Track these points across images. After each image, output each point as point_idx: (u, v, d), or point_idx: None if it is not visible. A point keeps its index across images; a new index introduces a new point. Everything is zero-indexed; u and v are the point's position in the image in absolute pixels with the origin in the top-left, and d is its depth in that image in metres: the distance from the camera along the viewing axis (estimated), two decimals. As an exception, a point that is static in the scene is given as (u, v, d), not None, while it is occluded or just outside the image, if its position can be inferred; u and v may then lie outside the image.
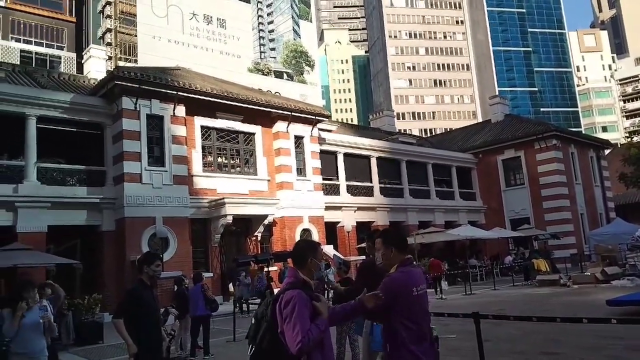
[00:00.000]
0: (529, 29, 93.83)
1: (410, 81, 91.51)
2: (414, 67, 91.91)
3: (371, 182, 28.56)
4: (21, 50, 43.88)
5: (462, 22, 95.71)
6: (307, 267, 3.26)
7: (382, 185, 28.92)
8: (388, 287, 3.35)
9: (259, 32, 53.44)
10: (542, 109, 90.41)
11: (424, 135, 61.71)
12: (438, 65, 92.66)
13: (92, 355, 11.56)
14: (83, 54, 30.04)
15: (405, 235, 3.94)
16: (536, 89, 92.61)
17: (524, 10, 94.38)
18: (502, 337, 9.48)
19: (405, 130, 66.90)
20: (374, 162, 28.86)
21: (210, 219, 20.80)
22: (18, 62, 38.38)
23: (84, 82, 23.55)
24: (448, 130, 57.75)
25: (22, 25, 44.92)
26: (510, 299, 16.60)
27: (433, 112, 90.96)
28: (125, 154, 18.39)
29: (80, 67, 39.18)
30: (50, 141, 17.81)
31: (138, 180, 18.52)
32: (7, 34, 44.01)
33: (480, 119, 74.49)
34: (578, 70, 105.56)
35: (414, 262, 3.73)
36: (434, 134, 65.71)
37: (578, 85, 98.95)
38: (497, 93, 64.86)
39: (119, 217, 18.36)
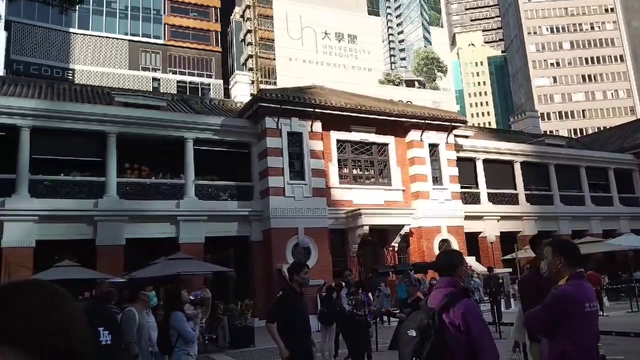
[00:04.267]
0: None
1: (554, 79, 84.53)
2: (557, 64, 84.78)
3: (515, 189, 26.85)
4: (177, 81, 49.47)
5: (612, 9, 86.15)
6: (457, 275, 3.19)
7: (528, 192, 27.03)
8: (557, 300, 3.13)
9: (389, 43, 53.72)
10: None
11: (573, 136, 56.48)
12: (586, 59, 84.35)
13: (245, 357, 12.44)
14: (230, 80, 32.85)
15: (577, 246, 3.59)
16: None
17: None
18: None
19: (551, 131, 61.90)
20: (517, 167, 27.12)
21: (347, 230, 21.25)
22: (175, 92, 43.25)
23: (231, 105, 25.75)
24: (602, 129, 52.14)
25: (177, 59, 50.65)
26: (691, 319, 14.35)
27: (583, 111, 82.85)
28: (270, 170, 19.69)
29: (226, 92, 42.98)
30: (204, 160, 19.78)
31: (281, 194, 19.68)
32: (166, 67, 49.99)
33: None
34: None
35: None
36: (585, 134, 59.78)
37: None
38: (661, 84, 57.05)
39: (266, 228, 19.65)
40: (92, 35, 47.70)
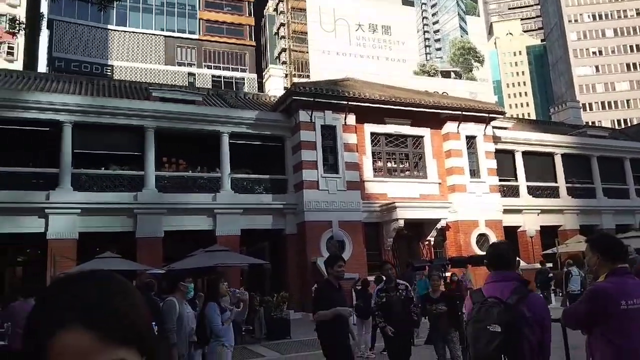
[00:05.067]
0: None
1: (596, 68, 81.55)
2: (600, 52, 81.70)
3: (556, 181, 26.08)
4: (212, 76, 50.04)
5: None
6: (512, 268, 3.11)
7: (569, 185, 26.20)
8: (590, 297, 3.09)
9: (423, 34, 52.85)
10: None
11: (617, 127, 54.45)
12: (631, 47, 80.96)
13: (281, 349, 12.52)
14: (263, 74, 33.00)
15: (618, 241, 3.44)
16: None
17: None
18: None
19: (593, 122, 59.92)
20: (558, 159, 26.31)
21: (382, 223, 21.09)
22: (210, 86, 43.77)
23: (265, 99, 25.87)
24: (648, 119, 50.01)
25: (212, 54, 51.22)
26: None
27: (627, 100, 79.70)
28: (304, 163, 19.71)
29: (260, 86, 43.22)
30: (239, 154, 19.96)
31: (315, 187, 19.69)
32: (201, 62, 50.63)
33: (691, 104, 63.04)
34: None
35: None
36: (629, 124, 57.54)
37: None
38: None
39: (300, 221, 19.71)
40: (129, 32, 48.72)
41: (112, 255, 15.57)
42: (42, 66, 49.77)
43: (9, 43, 36.13)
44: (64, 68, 42.87)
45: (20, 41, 37.35)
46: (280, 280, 18.94)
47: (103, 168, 18.54)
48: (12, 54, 39.43)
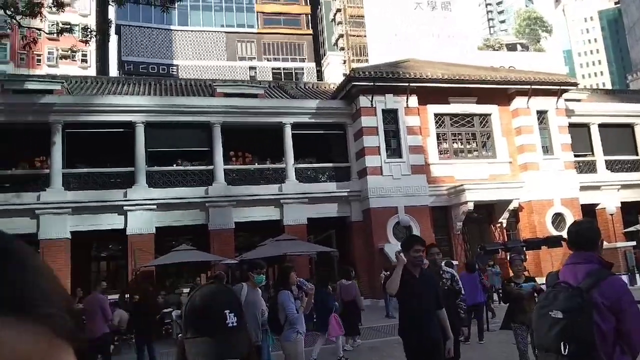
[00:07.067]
0: None
1: (681, 27, 74.79)
2: (685, 9, 74.81)
3: (637, 154, 24.32)
4: (272, 68, 50.72)
5: None
6: (598, 250, 2.86)
7: (652, 157, 24.38)
8: None
9: (486, 7, 50.74)
10: None
11: None
12: None
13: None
14: (322, 62, 33.01)
15: None
16: None
17: None
18: None
19: (678, 87, 55.12)
20: (638, 130, 24.51)
21: (450, 207, 20.62)
22: (271, 78, 44.39)
23: (325, 88, 25.90)
24: None
25: (271, 46, 51.85)
26: None
27: None
28: (366, 149, 19.60)
29: (319, 74, 43.30)
30: (302, 144, 20.16)
31: (379, 173, 19.54)
32: (260, 55, 51.42)
33: None
34: None
35: None
36: None
37: None
38: None
39: (365, 208, 19.67)
40: (192, 31, 50.26)
41: (187, 248, 16.35)
42: (113, 70, 52.53)
43: (82, 51, 38.36)
44: (133, 71, 45.00)
45: (92, 48, 39.57)
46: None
47: (175, 165, 19.37)
48: (85, 61, 41.89)
